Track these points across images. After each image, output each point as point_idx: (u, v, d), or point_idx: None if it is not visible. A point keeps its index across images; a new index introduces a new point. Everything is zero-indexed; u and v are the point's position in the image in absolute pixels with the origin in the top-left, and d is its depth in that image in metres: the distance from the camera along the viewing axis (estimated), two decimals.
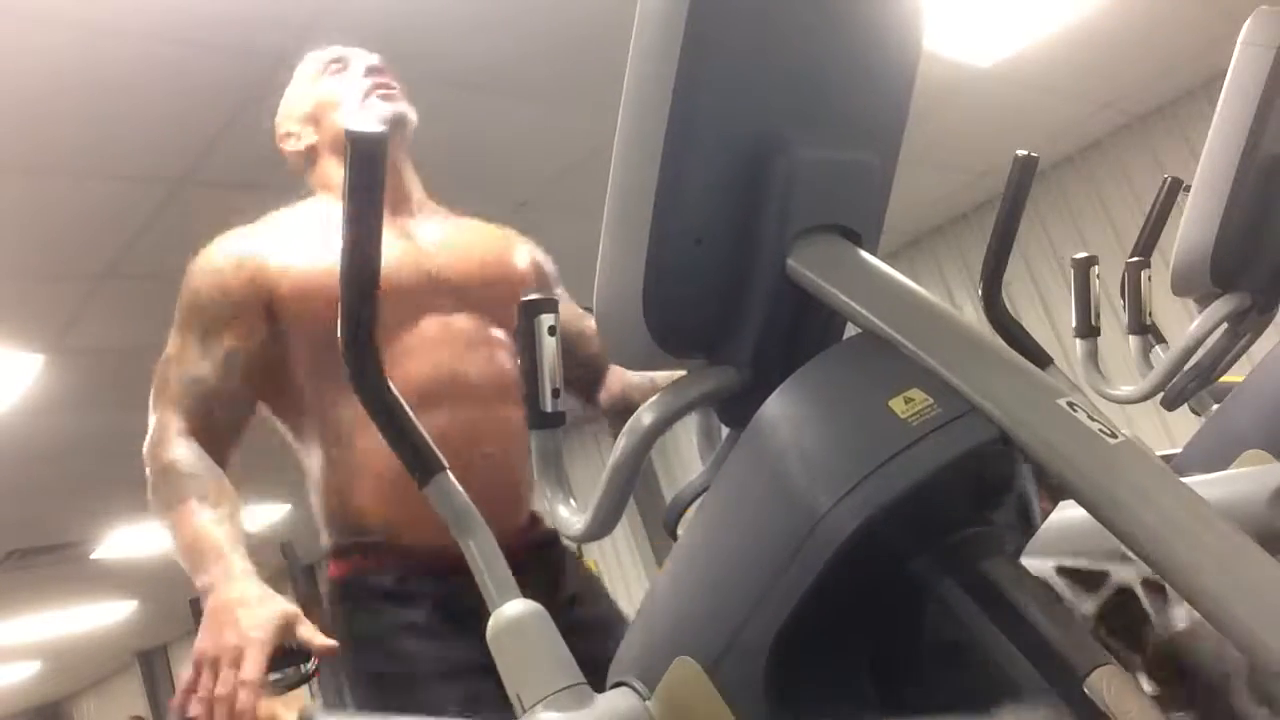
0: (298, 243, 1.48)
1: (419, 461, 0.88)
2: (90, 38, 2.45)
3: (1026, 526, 0.80)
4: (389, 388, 0.87)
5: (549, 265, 1.73)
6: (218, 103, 2.80)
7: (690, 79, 0.71)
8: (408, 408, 0.88)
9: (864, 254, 0.80)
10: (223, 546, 1.25)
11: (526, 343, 0.85)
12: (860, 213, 0.83)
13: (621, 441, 0.80)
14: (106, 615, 7.86)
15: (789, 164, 0.76)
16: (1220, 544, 0.60)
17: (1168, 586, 0.87)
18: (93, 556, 6.29)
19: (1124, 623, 1.07)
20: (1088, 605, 1.10)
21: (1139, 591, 1.03)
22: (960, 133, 4.12)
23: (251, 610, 1.13)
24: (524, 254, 1.68)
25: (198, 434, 1.40)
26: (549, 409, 0.85)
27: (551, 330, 0.85)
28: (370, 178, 0.82)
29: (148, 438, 1.41)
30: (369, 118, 1.53)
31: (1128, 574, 1.04)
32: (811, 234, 0.78)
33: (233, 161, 2.97)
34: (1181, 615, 1.01)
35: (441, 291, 1.51)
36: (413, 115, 1.60)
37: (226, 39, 2.58)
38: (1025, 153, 1.35)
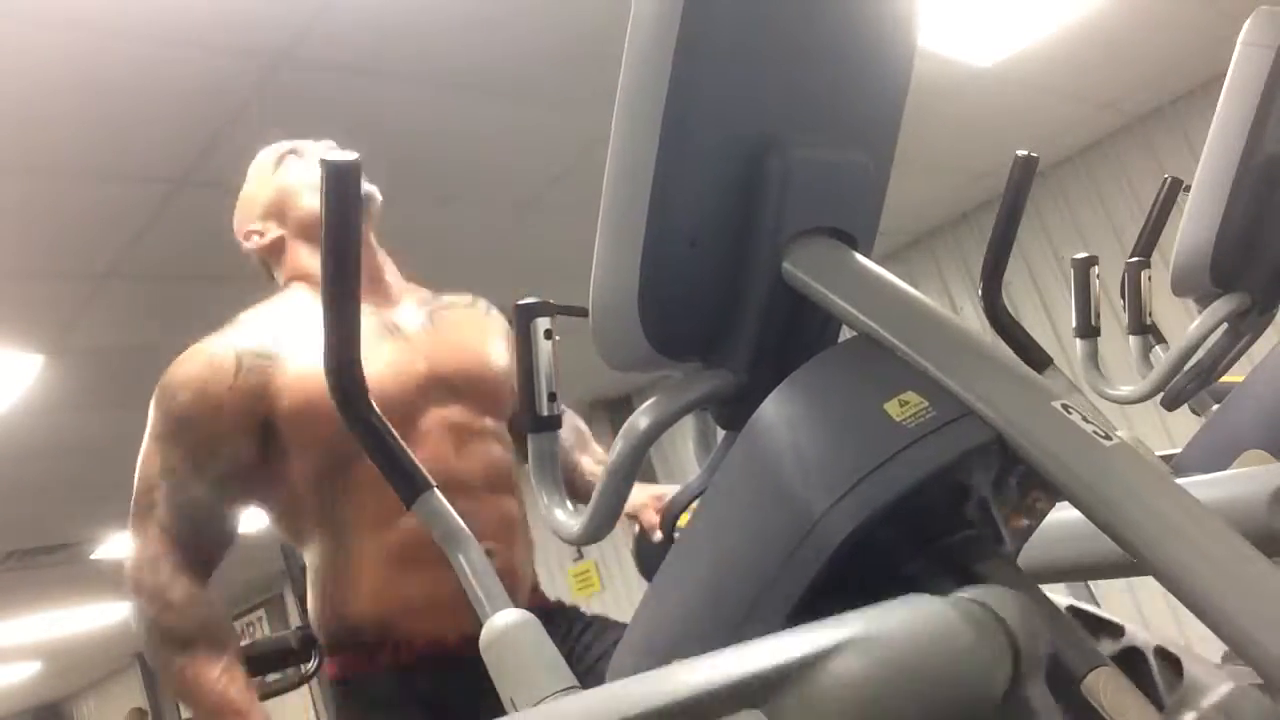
0: (291, 352, 1.42)
1: (406, 480, 0.91)
2: (90, 38, 2.45)
3: (1023, 529, 0.80)
4: (374, 410, 0.89)
5: None
6: (218, 103, 2.80)
7: (684, 81, 0.71)
8: (392, 430, 0.91)
9: (859, 257, 0.80)
10: (242, 708, 1.31)
11: (523, 346, 0.85)
12: (855, 215, 0.83)
13: (618, 444, 0.81)
14: (106, 615, 7.85)
15: (783, 166, 0.76)
16: (1215, 546, 0.60)
17: (1184, 666, 0.87)
18: (93, 556, 6.29)
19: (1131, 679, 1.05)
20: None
21: (1151, 661, 1.01)
22: (960, 133, 4.12)
23: None
24: (500, 339, 1.65)
25: (192, 562, 1.39)
26: (545, 412, 0.85)
27: (548, 334, 0.85)
28: (346, 203, 0.85)
29: (135, 560, 1.39)
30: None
31: (1142, 639, 1.02)
32: (806, 237, 0.78)
33: (233, 161, 2.95)
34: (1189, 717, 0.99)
35: (437, 388, 1.48)
36: (377, 194, 1.56)
37: (226, 40, 2.58)
38: (1025, 153, 1.35)
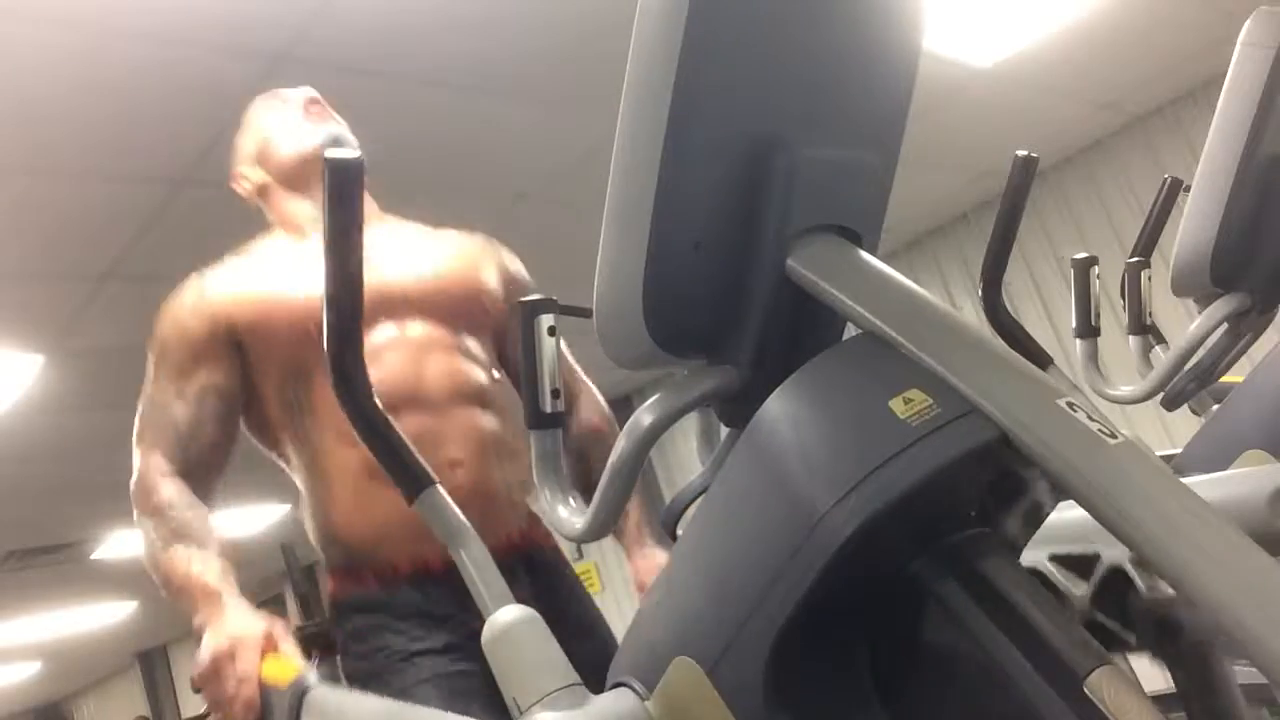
0: (252, 277, 1.52)
1: (407, 476, 0.91)
2: (90, 38, 2.45)
3: (1027, 527, 0.80)
4: (376, 406, 0.89)
5: (520, 272, 1.72)
6: (217, 103, 2.79)
7: (689, 79, 0.71)
8: (394, 426, 0.91)
9: (864, 254, 0.80)
10: (212, 584, 1.33)
11: (526, 343, 0.85)
12: (860, 213, 0.83)
13: (621, 442, 0.80)
14: (106, 615, 7.86)
15: (789, 164, 0.76)
16: (1220, 544, 0.60)
17: None
18: (93, 556, 6.29)
19: (1116, 602, 1.07)
20: (1081, 589, 1.10)
21: (1129, 568, 1.03)
22: (960, 133, 4.12)
23: (239, 623, 1.28)
24: (491, 263, 1.68)
25: (182, 474, 1.45)
26: (548, 409, 0.85)
27: (551, 330, 0.85)
28: (348, 201, 0.85)
29: (133, 480, 1.45)
30: (308, 139, 1.58)
31: (1117, 553, 1.04)
32: (811, 234, 0.78)
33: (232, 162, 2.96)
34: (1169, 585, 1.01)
35: (394, 300, 1.51)
36: (347, 134, 1.63)
37: (226, 40, 2.58)
38: (1025, 153, 1.35)
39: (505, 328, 1.64)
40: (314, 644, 2.19)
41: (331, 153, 0.85)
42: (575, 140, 3.37)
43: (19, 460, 4.53)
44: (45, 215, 3.07)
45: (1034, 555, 1.13)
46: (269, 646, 1.24)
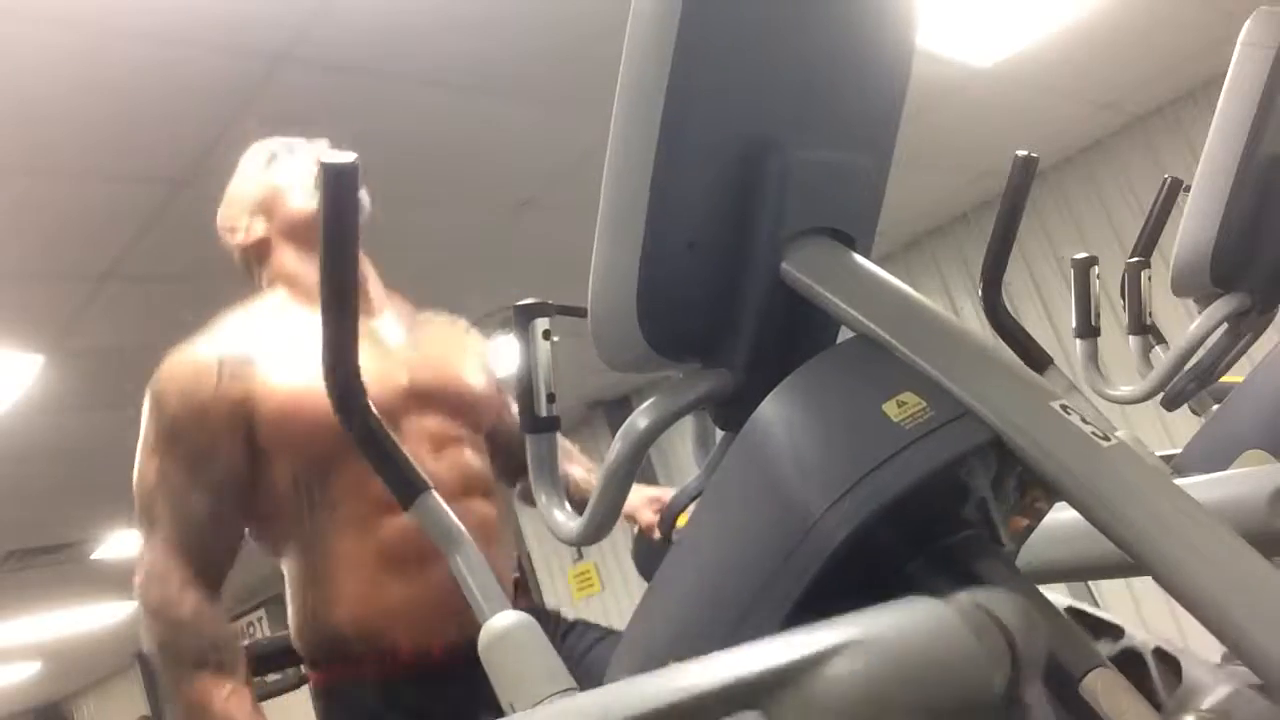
0: (277, 361, 1.42)
1: (403, 483, 0.91)
2: (90, 39, 2.45)
3: (1021, 530, 0.80)
4: (373, 414, 0.90)
5: (489, 362, 1.71)
6: (217, 103, 2.79)
7: (683, 82, 0.71)
8: (390, 434, 0.91)
9: (857, 257, 0.80)
10: None
11: (522, 347, 0.85)
12: (854, 215, 0.83)
13: (617, 444, 0.80)
14: (106, 615, 7.85)
15: (782, 166, 0.76)
16: (1213, 546, 0.60)
17: (1182, 667, 0.87)
18: (93, 557, 6.29)
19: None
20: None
21: (1150, 662, 1.01)
22: (960, 133, 4.12)
23: None
24: (476, 357, 1.67)
25: (201, 575, 1.39)
26: (544, 413, 0.85)
27: (546, 334, 0.85)
28: (343, 205, 0.84)
29: (145, 576, 1.39)
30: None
31: (1140, 640, 1.02)
32: (805, 237, 0.78)
33: (233, 162, 2.96)
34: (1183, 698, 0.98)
35: (411, 395, 1.48)
36: (366, 199, 1.51)
37: (226, 40, 2.58)
38: (1025, 153, 1.35)
39: (493, 420, 1.63)
40: None
41: (327, 157, 0.84)
42: (576, 141, 3.37)
43: (19, 460, 4.53)
44: (45, 215, 3.07)
45: (1055, 603, 1.11)
46: None
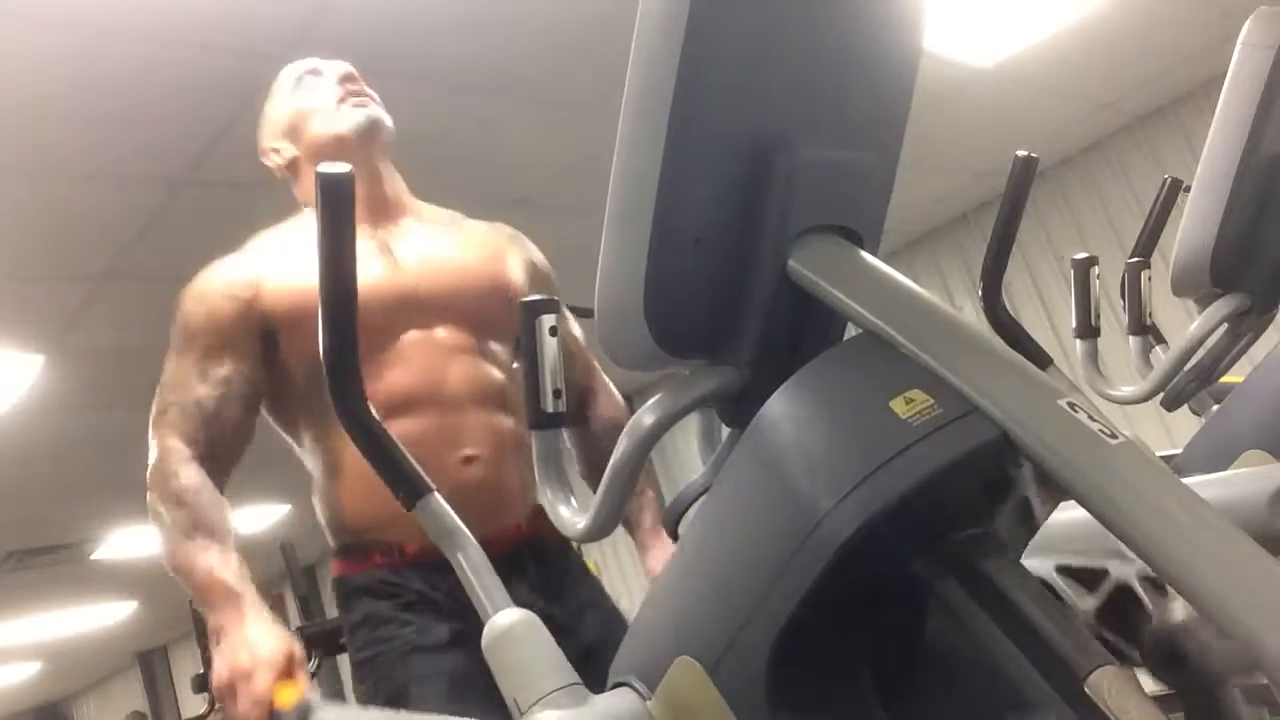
0: (287, 263, 1.50)
1: (405, 485, 0.91)
2: (90, 39, 2.45)
3: (1028, 527, 0.80)
4: (373, 417, 0.90)
5: (544, 265, 1.73)
6: (218, 103, 2.79)
7: (691, 79, 0.71)
8: (390, 434, 0.91)
9: (865, 255, 0.80)
10: (233, 586, 1.34)
11: (528, 343, 0.85)
12: (861, 213, 0.83)
13: (622, 443, 0.81)
14: (106, 615, 7.86)
15: (790, 163, 0.76)
16: (1220, 544, 0.60)
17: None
18: (93, 557, 6.29)
19: (1123, 619, 1.07)
20: (1088, 603, 1.10)
21: (1137, 588, 1.03)
22: (961, 133, 4.12)
23: (261, 639, 1.28)
24: (516, 259, 1.68)
25: (202, 459, 1.44)
26: (550, 409, 0.86)
27: (553, 331, 0.85)
28: (340, 215, 0.85)
29: (151, 463, 1.45)
30: (344, 121, 1.56)
31: (1126, 571, 1.04)
32: (812, 234, 0.78)
33: (233, 161, 2.96)
34: (1179, 609, 1.01)
35: (419, 307, 1.52)
36: (387, 120, 1.62)
37: (226, 40, 2.58)
38: (1025, 153, 1.35)
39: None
40: (315, 644, 2.19)
41: (324, 168, 0.85)
42: (575, 141, 3.37)
43: (19, 460, 4.53)
44: (45, 215, 3.07)
45: (1041, 564, 1.13)
46: (285, 671, 1.26)
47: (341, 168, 0.85)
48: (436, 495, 0.91)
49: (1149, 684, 1.03)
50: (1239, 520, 0.62)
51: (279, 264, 1.51)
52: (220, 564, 1.35)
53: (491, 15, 2.76)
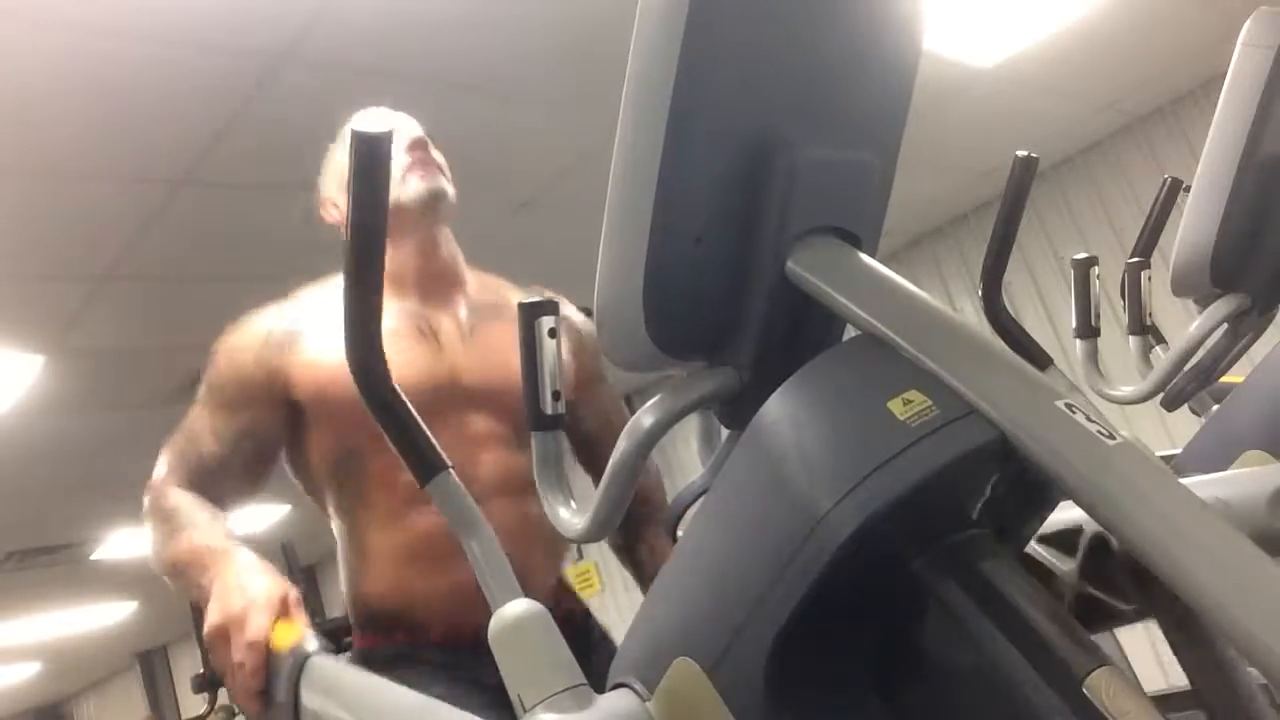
0: (323, 337, 1.45)
1: (421, 460, 0.89)
2: (90, 39, 2.45)
3: (1027, 528, 0.80)
4: (393, 388, 0.88)
5: (584, 331, 1.68)
6: (218, 103, 2.80)
7: (690, 78, 0.71)
8: (411, 408, 0.89)
9: (863, 256, 0.80)
10: (218, 544, 1.31)
11: (526, 346, 0.85)
12: (859, 214, 0.83)
13: (622, 444, 0.80)
14: (106, 615, 7.86)
15: (789, 164, 0.76)
16: (1219, 545, 0.60)
17: None
18: (93, 557, 6.29)
19: (1103, 572, 1.07)
20: (1069, 565, 1.10)
21: (1109, 535, 1.02)
22: (960, 133, 4.12)
23: (254, 580, 1.22)
24: (565, 341, 1.66)
25: (196, 495, 1.44)
26: (549, 411, 0.85)
27: (551, 333, 0.85)
28: (374, 178, 0.83)
29: (146, 498, 1.45)
30: (406, 191, 1.52)
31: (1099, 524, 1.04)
32: (811, 236, 0.78)
33: (233, 161, 2.97)
34: None
35: (457, 395, 1.49)
36: (450, 190, 1.58)
37: (226, 40, 2.58)
38: (1025, 153, 1.35)
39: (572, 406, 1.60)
40: None
41: (359, 126, 0.82)
42: (575, 141, 3.37)
43: (19, 460, 4.53)
44: (45, 215, 3.08)
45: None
46: (281, 611, 1.20)
47: (379, 126, 0.83)
48: (451, 473, 0.89)
49: (1148, 685, 1.03)
50: (1239, 520, 0.62)
51: (307, 336, 1.47)
52: (206, 534, 1.33)
53: (492, 15, 2.76)
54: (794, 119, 0.78)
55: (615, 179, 0.76)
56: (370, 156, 0.82)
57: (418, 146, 1.58)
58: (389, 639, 1.47)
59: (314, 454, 1.50)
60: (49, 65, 2.49)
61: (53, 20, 2.36)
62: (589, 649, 1.55)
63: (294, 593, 1.24)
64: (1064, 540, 1.08)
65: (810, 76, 0.78)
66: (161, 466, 1.47)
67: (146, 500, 1.44)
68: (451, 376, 1.50)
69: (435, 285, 1.57)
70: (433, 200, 1.55)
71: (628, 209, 0.75)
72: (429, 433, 0.90)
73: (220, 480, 1.46)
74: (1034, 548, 1.10)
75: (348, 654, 1.55)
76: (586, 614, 1.62)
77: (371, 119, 1.62)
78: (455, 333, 1.55)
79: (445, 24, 2.73)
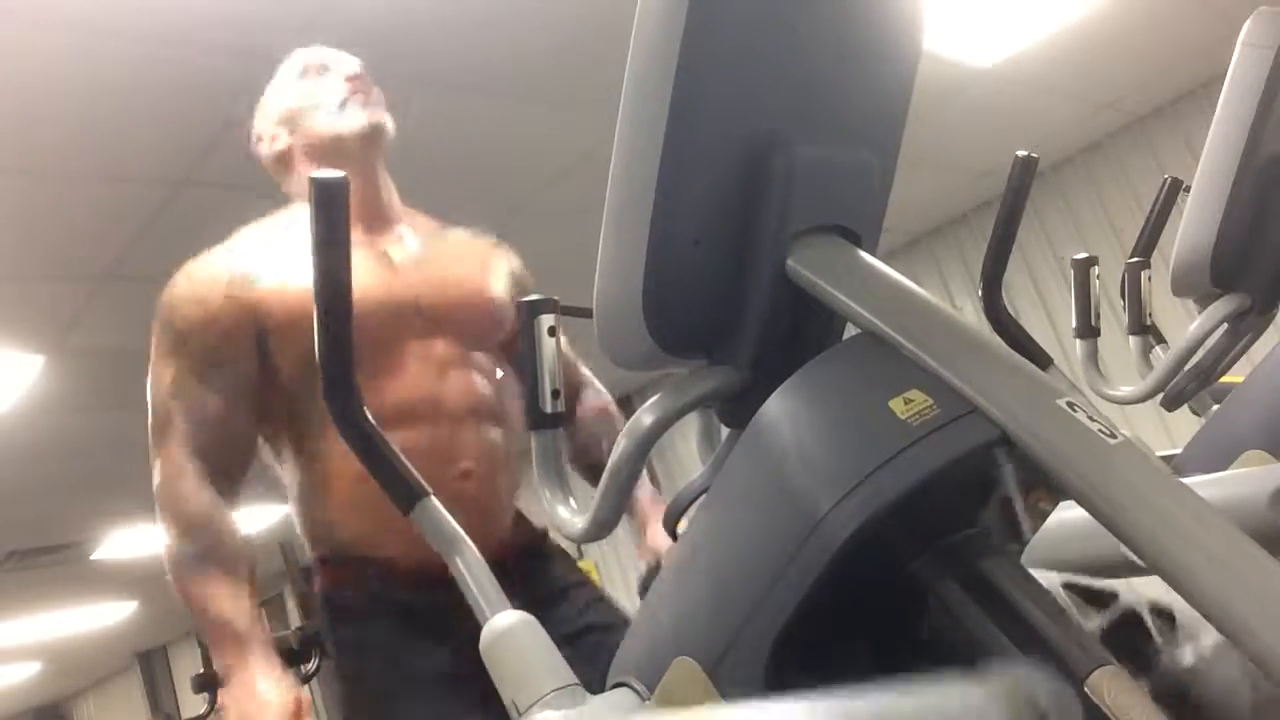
0: (277, 263, 1.46)
1: (402, 489, 0.91)
2: (89, 39, 2.45)
3: (1027, 528, 0.80)
4: (368, 421, 0.90)
5: (524, 273, 1.72)
6: (218, 103, 2.79)
7: (689, 79, 0.71)
8: (387, 439, 0.92)
9: (863, 254, 0.80)
10: (242, 631, 1.32)
11: (526, 343, 0.85)
12: (859, 213, 0.83)
13: (621, 442, 0.81)
14: (106, 615, 7.86)
15: (788, 164, 0.76)
16: (1220, 545, 0.60)
17: (1176, 614, 0.88)
18: (93, 557, 6.29)
19: (1129, 645, 1.06)
20: (1093, 623, 1.09)
21: (1146, 618, 1.02)
22: (960, 133, 4.12)
23: (269, 688, 1.26)
24: (501, 268, 1.67)
25: (214, 476, 1.41)
26: (549, 409, 0.86)
27: (551, 331, 0.85)
28: (334, 222, 0.85)
29: (160, 479, 1.41)
30: (346, 121, 1.53)
31: (1134, 599, 1.03)
32: (810, 234, 0.78)
33: (233, 162, 2.95)
34: (1189, 654, 1.00)
35: (418, 317, 1.50)
36: (389, 124, 1.58)
37: (225, 40, 2.58)
38: (1025, 153, 1.35)
39: (513, 335, 1.62)
40: (314, 644, 2.19)
41: (318, 174, 0.84)
42: (575, 141, 3.37)
43: (19, 460, 4.53)
44: (45, 215, 3.07)
45: (1048, 579, 1.12)
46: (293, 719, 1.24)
47: (336, 174, 0.85)
48: (434, 499, 0.92)
49: None
50: (1239, 520, 0.62)
51: (269, 263, 1.46)
52: (231, 604, 1.33)
53: (492, 15, 2.76)
54: (793, 120, 0.78)
55: (614, 180, 0.76)
56: (328, 201, 0.84)
57: (356, 79, 1.58)
58: (358, 579, 1.44)
59: (277, 382, 1.46)
60: (49, 65, 2.49)
61: (53, 20, 2.36)
62: (549, 560, 1.57)
63: (306, 699, 1.27)
64: (1093, 597, 1.08)
65: (810, 77, 0.78)
66: (165, 432, 1.41)
67: (160, 496, 1.40)
68: (411, 300, 1.50)
69: (379, 216, 1.57)
70: (373, 132, 1.55)
71: (627, 210, 0.75)
72: (407, 462, 0.92)
73: (225, 434, 1.43)
74: (1059, 592, 1.10)
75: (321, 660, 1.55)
76: (544, 535, 1.61)
77: (312, 54, 1.65)
78: (407, 259, 1.55)
79: (445, 24, 2.73)
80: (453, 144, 3.24)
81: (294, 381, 1.45)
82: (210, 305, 1.44)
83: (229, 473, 1.43)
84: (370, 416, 0.91)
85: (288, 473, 1.52)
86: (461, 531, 0.92)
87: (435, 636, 1.37)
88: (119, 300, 3.57)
